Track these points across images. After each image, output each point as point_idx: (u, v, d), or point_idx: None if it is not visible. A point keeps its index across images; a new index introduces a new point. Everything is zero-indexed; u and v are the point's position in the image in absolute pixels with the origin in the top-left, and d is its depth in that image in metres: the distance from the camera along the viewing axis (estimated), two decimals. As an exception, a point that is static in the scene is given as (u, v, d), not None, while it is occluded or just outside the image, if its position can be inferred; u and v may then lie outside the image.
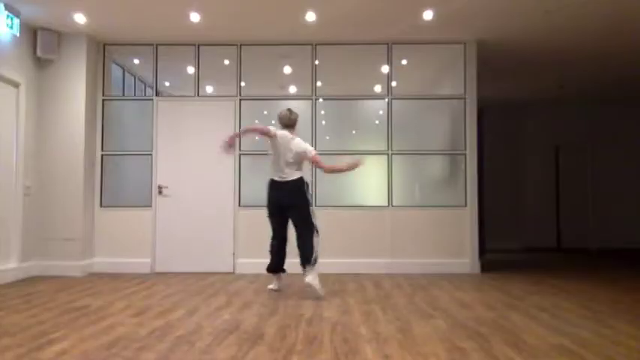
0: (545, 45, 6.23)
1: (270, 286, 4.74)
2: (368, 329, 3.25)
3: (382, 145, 6.20)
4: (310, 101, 6.24)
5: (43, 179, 5.84)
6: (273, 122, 6.52)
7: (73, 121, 5.87)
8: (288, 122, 4.62)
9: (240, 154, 6.19)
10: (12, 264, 5.41)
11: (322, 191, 6.08)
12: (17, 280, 5.35)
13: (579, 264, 7.18)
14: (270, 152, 4.53)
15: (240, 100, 6.24)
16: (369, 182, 6.33)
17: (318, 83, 6.26)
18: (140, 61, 6.54)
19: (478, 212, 6.11)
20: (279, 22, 5.59)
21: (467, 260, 6.04)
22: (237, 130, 4.33)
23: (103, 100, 6.21)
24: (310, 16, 5.36)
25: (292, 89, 6.53)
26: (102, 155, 6.17)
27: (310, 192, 4.60)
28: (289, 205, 4.48)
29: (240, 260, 6.08)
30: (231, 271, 6.06)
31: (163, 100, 6.27)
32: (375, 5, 5.15)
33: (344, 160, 4.58)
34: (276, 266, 4.68)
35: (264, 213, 6.13)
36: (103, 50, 6.21)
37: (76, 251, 5.79)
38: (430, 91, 6.74)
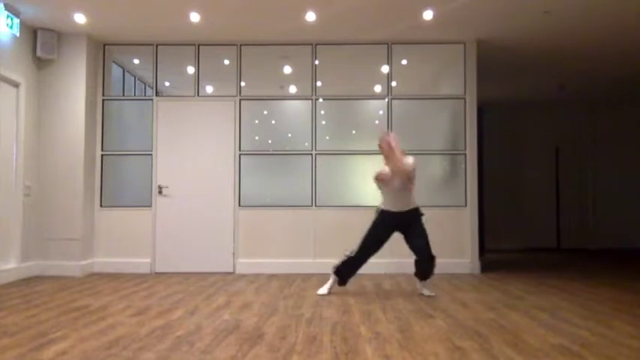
0: (545, 45, 6.23)
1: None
2: (368, 329, 3.25)
3: (382, 145, 6.19)
4: (310, 101, 6.24)
5: (43, 179, 5.84)
6: (273, 122, 6.58)
7: (73, 121, 5.87)
8: None
9: (240, 154, 6.19)
10: (12, 264, 5.40)
11: (322, 191, 6.08)
12: (17, 280, 5.35)
13: (579, 264, 7.18)
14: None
15: (240, 100, 6.24)
16: (369, 182, 6.31)
17: (318, 83, 6.26)
18: (140, 61, 6.54)
19: (478, 212, 6.11)
20: (279, 22, 5.59)
21: (467, 260, 6.04)
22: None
23: (103, 100, 6.21)
24: (310, 16, 5.35)
25: (292, 89, 6.53)
26: (102, 155, 6.17)
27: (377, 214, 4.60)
28: None
29: (240, 260, 6.08)
30: (231, 271, 6.06)
31: (163, 100, 6.27)
32: (375, 5, 5.14)
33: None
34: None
35: (264, 213, 6.18)
36: (103, 50, 6.21)
37: (76, 251, 5.79)
38: (430, 91, 6.74)
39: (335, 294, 4.57)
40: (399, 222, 4.50)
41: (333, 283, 4.61)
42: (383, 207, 4.54)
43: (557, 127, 9.54)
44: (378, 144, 4.58)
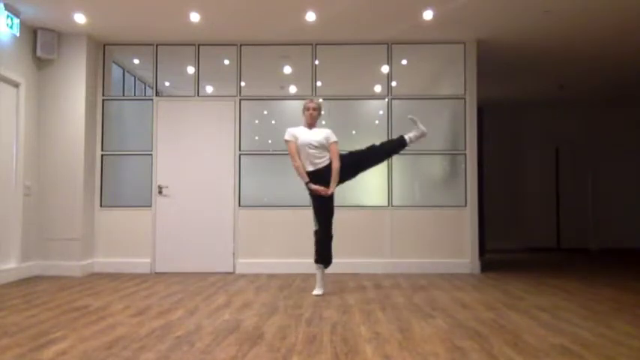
0: (545, 45, 6.23)
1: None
2: (368, 329, 3.25)
3: (382, 145, 6.19)
4: (310, 101, 6.23)
5: (43, 179, 5.84)
6: (273, 122, 6.58)
7: (73, 121, 5.88)
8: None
9: (240, 154, 6.19)
10: (12, 264, 5.41)
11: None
12: (17, 280, 5.35)
13: (579, 264, 7.18)
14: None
15: (240, 100, 6.24)
16: (369, 182, 6.33)
17: (318, 83, 6.26)
18: (140, 61, 6.54)
19: (478, 212, 6.11)
20: (279, 22, 5.59)
21: (467, 260, 6.04)
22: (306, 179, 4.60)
23: (103, 100, 6.21)
24: (310, 16, 5.36)
25: (292, 89, 6.53)
26: (102, 155, 6.17)
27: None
28: None
29: (240, 260, 6.08)
30: (231, 271, 6.06)
31: (163, 100, 6.28)
32: (375, 5, 5.15)
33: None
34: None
35: (264, 213, 6.18)
36: (103, 50, 6.21)
37: (76, 251, 5.79)
38: (430, 91, 6.74)
39: (335, 294, 4.58)
40: (319, 178, 4.53)
41: (321, 275, 4.59)
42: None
43: (557, 127, 9.54)
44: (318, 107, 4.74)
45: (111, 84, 6.35)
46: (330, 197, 4.59)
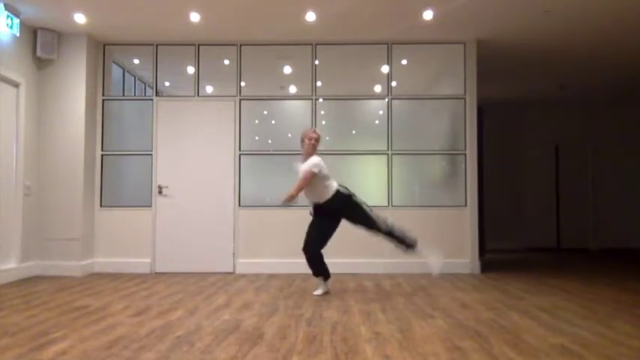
0: (545, 45, 6.23)
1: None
2: (368, 329, 3.25)
3: (382, 145, 6.20)
4: (310, 101, 6.23)
5: (43, 179, 5.84)
6: (273, 122, 6.58)
7: (73, 121, 5.88)
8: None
9: (240, 154, 6.19)
10: (12, 264, 5.41)
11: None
12: (17, 280, 5.35)
13: (579, 264, 7.18)
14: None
15: (240, 100, 6.24)
16: (369, 182, 6.33)
17: (318, 83, 6.26)
18: (140, 61, 6.54)
19: (478, 212, 6.11)
20: (279, 22, 5.59)
21: (467, 260, 6.04)
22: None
23: (103, 100, 6.21)
24: (310, 16, 5.36)
25: (292, 89, 6.53)
26: (102, 155, 6.17)
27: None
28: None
29: (240, 260, 6.08)
30: (231, 271, 6.06)
31: (163, 100, 6.28)
32: (375, 5, 5.15)
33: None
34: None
35: (264, 213, 6.18)
36: (103, 50, 6.21)
37: (76, 251, 5.79)
38: (430, 91, 6.74)
39: (335, 294, 4.58)
40: (321, 211, 4.55)
41: (323, 283, 4.61)
42: None
43: (557, 127, 9.54)
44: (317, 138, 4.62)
45: (111, 84, 6.35)
46: (321, 219, 4.53)
